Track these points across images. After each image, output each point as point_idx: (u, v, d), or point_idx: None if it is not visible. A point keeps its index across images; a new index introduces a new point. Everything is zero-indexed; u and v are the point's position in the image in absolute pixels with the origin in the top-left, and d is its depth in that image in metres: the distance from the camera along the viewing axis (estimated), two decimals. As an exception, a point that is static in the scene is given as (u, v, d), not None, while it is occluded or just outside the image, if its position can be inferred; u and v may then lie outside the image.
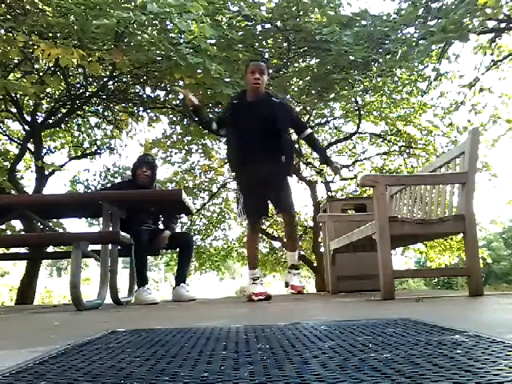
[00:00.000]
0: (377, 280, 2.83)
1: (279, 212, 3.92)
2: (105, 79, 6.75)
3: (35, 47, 4.82)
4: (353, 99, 8.29)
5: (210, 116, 3.81)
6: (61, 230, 6.63)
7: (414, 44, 5.31)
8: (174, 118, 8.25)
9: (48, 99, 7.72)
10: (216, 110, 7.28)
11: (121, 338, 1.35)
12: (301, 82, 7.17)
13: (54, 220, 7.45)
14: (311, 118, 9.58)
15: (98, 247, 3.40)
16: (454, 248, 10.63)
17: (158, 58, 5.47)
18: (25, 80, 5.73)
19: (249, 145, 3.54)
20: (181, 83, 6.16)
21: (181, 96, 7.07)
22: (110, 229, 3.29)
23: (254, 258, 3.72)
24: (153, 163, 4.31)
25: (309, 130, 3.78)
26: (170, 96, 7.24)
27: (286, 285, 3.84)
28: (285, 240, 4.10)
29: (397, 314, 1.75)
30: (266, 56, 6.61)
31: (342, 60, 5.59)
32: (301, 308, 2.65)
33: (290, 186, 3.75)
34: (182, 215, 9.53)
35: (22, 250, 4.58)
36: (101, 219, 3.42)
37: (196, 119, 3.68)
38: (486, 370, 0.75)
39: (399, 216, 2.94)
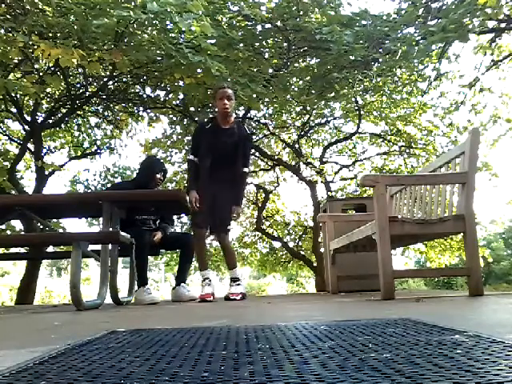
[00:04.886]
0: (377, 280, 2.83)
1: (213, 232, 4.12)
2: (105, 79, 6.75)
3: (35, 47, 4.82)
4: (353, 99, 8.29)
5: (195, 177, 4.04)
6: (61, 230, 6.64)
7: (414, 44, 5.30)
8: (174, 118, 8.25)
9: (48, 99, 7.72)
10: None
11: (121, 338, 1.35)
12: (301, 82, 7.17)
13: (54, 220, 7.46)
14: (311, 118, 9.58)
15: (98, 247, 3.40)
16: (454, 248, 10.62)
17: (158, 58, 5.47)
18: (25, 80, 5.72)
19: (215, 167, 3.87)
20: (181, 83, 6.16)
21: (181, 96, 7.09)
22: (110, 229, 3.29)
23: (203, 260, 4.06)
24: (166, 171, 4.45)
25: (245, 169, 4.04)
26: (170, 96, 7.24)
27: (227, 298, 3.87)
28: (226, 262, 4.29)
29: (397, 314, 1.76)
30: (266, 56, 6.62)
31: (342, 60, 5.59)
32: (301, 308, 2.65)
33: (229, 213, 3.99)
34: (181, 215, 9.55)
35: (22, 250, 4.58)
36: (101, 219, 3.43)
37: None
38: (486, 370, 0.75)
39: (399, 216, 2.94)
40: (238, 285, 3.92)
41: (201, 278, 3.97)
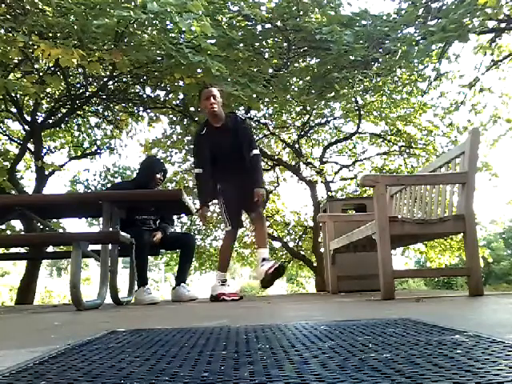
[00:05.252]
0: (377, 280, 2.83)
1: (250, 213, 4.09)
2: (105, 79, 6.75)
3: (35, 47, 4.82)
4: (353, 99, 8.29)
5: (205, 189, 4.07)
6: (61, 230, 6.64)
7: (414, 44, 5.30)
8: (174, 118, 8.25)
9: (48, 99, 7.72)
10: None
11: (121, 338, 1.35)
12: (301, 82, 7.17)
13: (54, 220, 7.46)
14: (311, 118, 9.58)
15: (98, 247, 3.40)
16: (454, 248, 10.62)
17: (158, 58, 5.47)
18: (25, 80, 5.72)
19: (223, 167, 3.89)
20: (181, 83, 6.16)
21: (181, 96, 7.09)
22: (110, 229, 3.29)
23: (227, 261, 4.06)
24: (166, 171, 4.45)
25: (254, 152, 3.98)
26: (170, 96, 7.24)
27: (265, 283, 3.75)
28: (254, 239, 4.29)
29: (397, 314, 1.76)
30: (266, 56, 6.62)
31: (342, 60, 5.60)
32: (301, 308, 2.65)
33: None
34: (181, 215, 9.55)
35: (22, 250, 4.58)
36: (101, 219, 3.43)
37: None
38: (486, 370, 0.75)
39: (399, 216, 2.94)
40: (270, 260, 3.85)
41: (218, 278, 3.91)
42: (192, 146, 4.28)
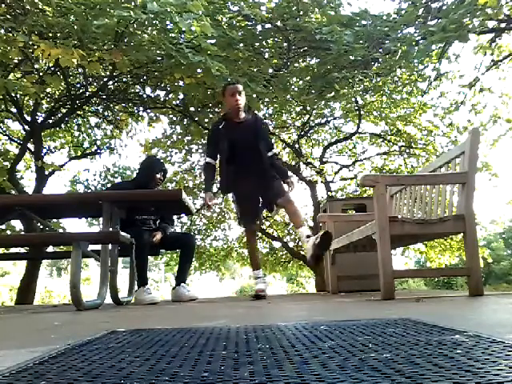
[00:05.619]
0: (377, 280, 2.83)
1: (276, 204, 4.00)
2: (105, 79, 6.75)
3: (35, 47, 4.82)
4: (353, 99, 8.29)
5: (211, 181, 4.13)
6: (61, 230, 6.64)
7: (414, 44, 5.31)
8: (174, 118, 8.25)
9: (48, 99, 7.73)
10: (216, 109, 7.31)
11: (121, 338, 1.35)
12: (301, 82, 7.17)
13: (54, 220, 7.46)
14: (311, 118, 9.58)
15: (98, 247, 3.40)
16: (453, 248, 10.62)
17: (158, 58, 5.47)
18: (25, 80, 5.72)
19: (241, 162, 3.88)
20: (181, 83, 6.16)
21: (181, 96, 7.09)
22: (110, 229, 3.29)
23: (255, 259, 4.11)
24: (166, 171, 4.45)
25: (274, 151, 4.06)
26: (170, 96, 7.24)
27: (315, 258, 3.59)
28: (292, 224, 4.27)
29: (397, 314, 1.76)
30: (266, 56, 6.62)
31: (342, 60, 5.60)
32: (301, 308, 2.65)
33: (278, 182, 3.93)
34: (181, 215, 9.55)
35: (22, 250, 4.58)
36: (101, 219, 3.43)
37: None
38: (486, 370, 0.75)
39: (399, 216, 2.94)
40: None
41: (253, 277, 4.02)
42: (207, 139, 4.27)
